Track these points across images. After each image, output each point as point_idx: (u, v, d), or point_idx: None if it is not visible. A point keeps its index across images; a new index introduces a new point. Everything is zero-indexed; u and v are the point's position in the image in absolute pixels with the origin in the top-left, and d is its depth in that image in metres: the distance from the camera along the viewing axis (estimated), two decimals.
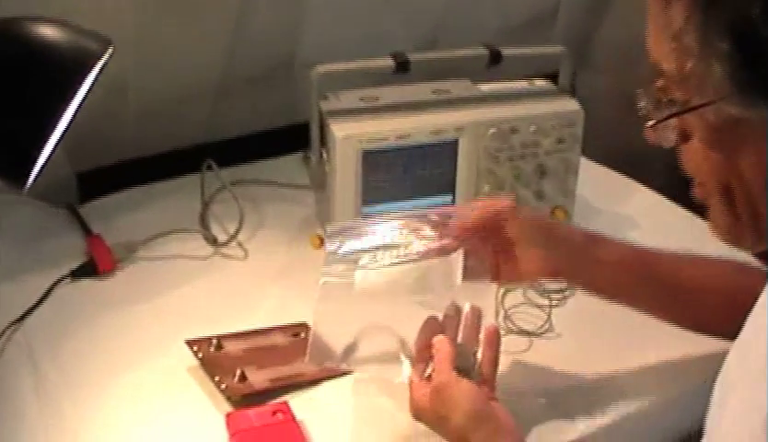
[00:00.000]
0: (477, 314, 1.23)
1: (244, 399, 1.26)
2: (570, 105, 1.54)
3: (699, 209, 1.13)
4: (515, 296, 1.45)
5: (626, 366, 1.35)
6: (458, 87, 1.58)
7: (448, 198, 1.54)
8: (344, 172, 1.48)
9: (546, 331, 1.40)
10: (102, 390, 1.30)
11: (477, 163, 1.52)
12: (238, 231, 1.57)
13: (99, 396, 1.29)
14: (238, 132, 1.79)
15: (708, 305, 1.28)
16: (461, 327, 1.23)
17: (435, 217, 1.26)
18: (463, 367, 1.17)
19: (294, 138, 1.71)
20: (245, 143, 1.80)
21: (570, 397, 1.30)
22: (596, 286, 1.28)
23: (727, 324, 1.17)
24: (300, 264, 1.53)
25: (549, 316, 1.41)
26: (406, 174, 1.52)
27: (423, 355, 1.20)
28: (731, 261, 1.27)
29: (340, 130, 1.47)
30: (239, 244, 1.58)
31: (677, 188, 1.91)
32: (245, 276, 1.52)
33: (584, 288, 1.31)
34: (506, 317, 1.41)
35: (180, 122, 1.74)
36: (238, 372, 1.28)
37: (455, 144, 1.51)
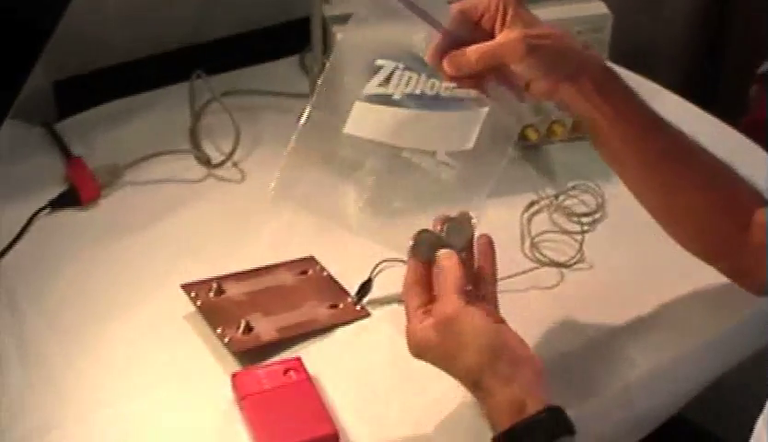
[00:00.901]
0: None
1: (251, 353, 1.11)
2: (597, 8, 1.37)
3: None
4: (542, 221, 1.30)
5: (666, 300, 1.20)
6: None
7: None
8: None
9: (578, 261, 1.25)
10: (90, 340, 1.15)
11: None
12: (233, 150, 1.39)
13: (86, 346, 1.14)
14: (228, 31, 1.60)
15: (695, 209, 1.11)
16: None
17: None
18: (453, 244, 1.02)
19: (291, 38, 1.53)
20: (237, 44, 1.60)
21: (607, 338, 1.16)
22: (593, 126, 1.10)
23: (708, 243, 1.12)
24: None
25: (581, 245, 1.25)
26: None
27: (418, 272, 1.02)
28: (744, 180, 1.12)
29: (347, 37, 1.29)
30: (235, 164, 1.41)
31: (683, 84, 1.78)
32: (243, 201, 1.36)
33: (590, 125, 1.10)
34: (533, 245, 1.26)
35: (166, 21, 1.56)
36: (243, 322, 1.13)
37: None
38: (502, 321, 1.01)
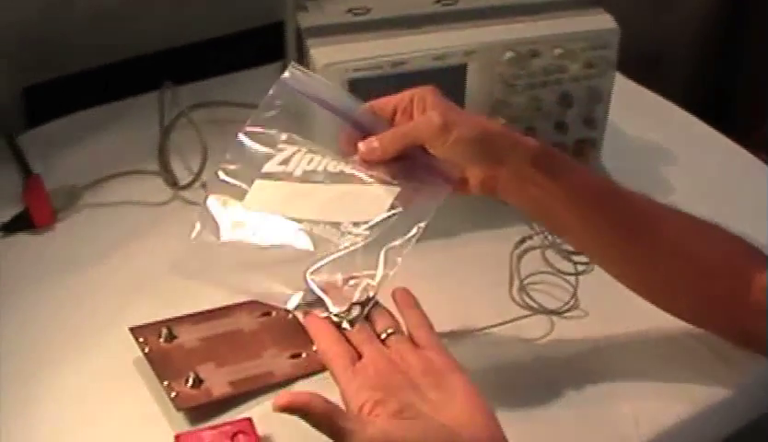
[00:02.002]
0: None
1: (200, 409, 0.98)
2: (604, 21, 1.22)
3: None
4: (533, 259, 1.16)
5: (671, 354, 1.07)
6: None
7: None
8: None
9: (571, 307, 1.11)
10: (31, 386, 1.02)
11: (490, 93, 1.21)
12: (201, 171, 1.26)
13: (27, 393, 1.02)
14: (203, 35, 1.47)
15: (676, 279, 1.00)
16: None
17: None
18: None
19: (271, 43, 1.40)
20: (212, 49, 1.48)
21: (603, 400, 1.02)
22: (535, 215, 1.02)
23: (695, 308, 1.01)
24: None
25: (575, 289, 1.11)
26: None
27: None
28: (738, 239, 1.00)
29: (321, 54, 1.16)
30: (203, 185, 1.27)
31: (697, 96, 1.64)
32: None
33: (530, 213, 1.02)
34: (522, 288, 1.13)
35: (140, 23, 1.43)
36: (192, 375, 1.00)
37: (462, 70, 1.19)
38: (456, 369, 0.87)
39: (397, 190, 0.95)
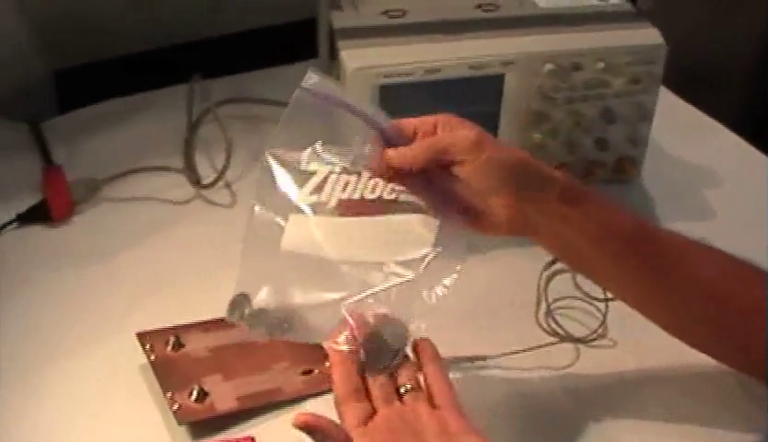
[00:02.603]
0: None
1: (203, 423, 0.94)
2: (651, 36, 1.15)
3: None
4: (562, 283, 1.09)
5: (703, 390, 1.00)
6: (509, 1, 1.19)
7: None
8: None
9: (599, 336, 1.05)
10: (33, 384, 0.99)
11: (527, 105, 1.15)
12: (225, 169, 1.22)
13: (27, 390, 0.98)
14: (238, 26, 1.42)
15: (708, 320, 0.94)
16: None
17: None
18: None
19: (307, 39, 1.34)
20: (246, 41, 1.43)
21: (627, 434, 0.96)
22: (563, 254, 0.95)
23: (728, 349, 0.95)
24: None
25: (604, 316, 1.05)
26: (436, 112, 1.14)
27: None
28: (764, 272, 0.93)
29: (352, 58, 1.11)
30: (228, 185, 1.23)
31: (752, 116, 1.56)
32: (229, 230, 1.14)
33: (557, 252, 0.96)
34: (549, 313, 1.07)
35: (174, 7, 1.39)
36: (197, 387, 0.96)
37: (500, 80, 1.13)
38: (471, 432, 0.81)
39: (436, 223, 0.88)
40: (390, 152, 0.88)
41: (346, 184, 0.89)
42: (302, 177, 0.89)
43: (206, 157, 1.26)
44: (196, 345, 1.01)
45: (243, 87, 1.36)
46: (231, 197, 1.22)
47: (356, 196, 0.88)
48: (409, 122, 0.90)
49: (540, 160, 0.89)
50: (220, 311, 1.04)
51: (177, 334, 1.01)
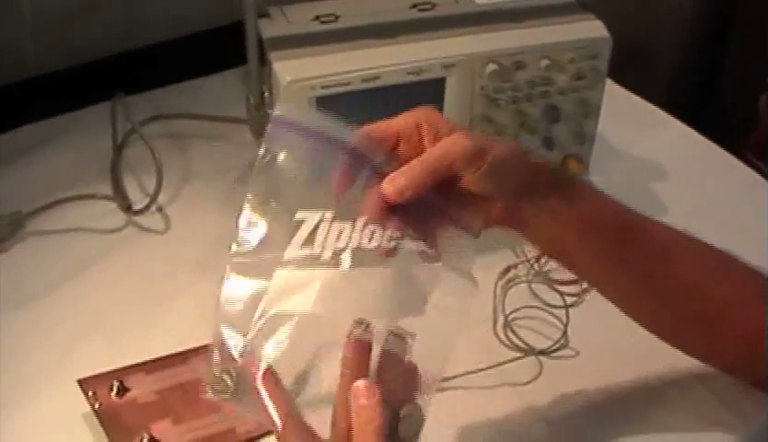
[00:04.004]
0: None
1: None
2: (594, 29, 1.12)
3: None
4: (520, 292, 1.05)
5: (673, 400, 0.97)
6: None
7: None
8: None
9: (561, 346, 1.01)
10: None
11: (470, 108, 1.11)
12: (157, 193, 1.15)
13: None
14: (159, 36, 1.35)
15: (689, 316, 0.91)
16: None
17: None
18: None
19: (234, 45, 1.29)
20: (167, 53, 1.35)
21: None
22: (549, 248, 0.90)
23: (706, 346, 0.93)
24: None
25: (566, 325, 1.01)
26: (376, 118, 1.09)
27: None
28: (756, 274, 0.91)
29: (285, 69, 1.05)
30: (160, 209, 1.17)
31: (683, 94, 1.54)
32: (164, 256, 1.13)
33: (538, 247, 0.92)
34: (507, 325, 1.03)
35: (84, 23, 1.31)
36: (146, 436, 0.90)
37: (441, 84, 1.09)
38: None
39: (439, 266, 0.80)
40: (386, 187, 0.78)
41: (340, 232, 0.78)
42: (286, 229, 0.78)
43: (135, 181, 1.20)
44: (141, 389, 0.95)
45: (167, 101, 1.30)
46: (165, 222, 1.16)
47: (353, 245, 0.77)
48: (387, 129, 0.82)
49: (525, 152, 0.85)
50: (163, 348, 1.00)
51: (120, 378, 0.96)
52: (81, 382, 0.95)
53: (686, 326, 0.92)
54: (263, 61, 1.09)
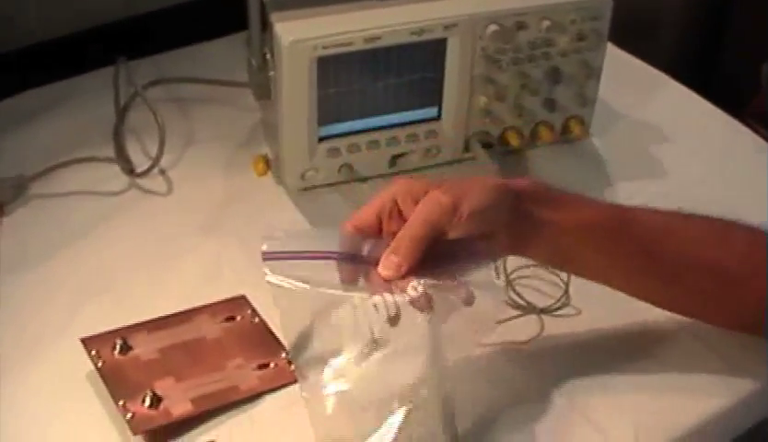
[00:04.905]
0: None
1: (158, 431, 0.88)
2: None
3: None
4: None
5: (673, 357, 0.96)
6: None
7: (433, 111, 1.12)
8: (294, 86, 1.06)
9: (562, 305, 1.01)
10: None
11: (471, 69, 1.10)
12: (159, 157, 1.15)
13: None
14: (161, 1, 1.34)
15: (700, 290, 0.91)
16: None
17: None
18: None
19: (235, 9, 1.28)
20: (171, 16, 1.34)
21: (600, 411, 0.91)
22: (555, 260, 0.92)
23: (725, 314, 0.93)
24: (239, 200, 1.13)
25: (567, 284, 1.01)
26: (376, 83, 1.10)
27: None
28: (757, 233, 0.91)
29: (287, 30, 1.04)
30: (162, 172, 1.16)
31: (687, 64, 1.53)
32: (167, 219, 1.12)
33: (545, 263, 0.96)
34: (509, 284, 1.02)
35: None
36: (149, 393, 0.90)
37: (442, 45, 1.08)
38: None
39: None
40: (382, 271, 0.82)
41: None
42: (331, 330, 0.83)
43: (137, 144, 1.19)
44: (144, 347, 0.95)
45: (169, 66, 1.29)
46: (167, 184, 1.15)
47: (392, 313, 0.81)
48: (367, 213, 0.84)
49: (496, 177, 0.89)
50: (165, 308, 0.99)
51: (123, 337, 0.95)
52: (84, 341, 0.95)
53: (700, 300, 0.92)
54: (265, 24, 1.09)
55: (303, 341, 0.83)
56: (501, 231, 0.85)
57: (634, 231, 0.89)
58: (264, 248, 0.83)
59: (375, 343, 0.81)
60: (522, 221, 0.86)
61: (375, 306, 0.80)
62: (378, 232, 0.84)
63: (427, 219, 0.82)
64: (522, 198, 0.86)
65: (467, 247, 0.83)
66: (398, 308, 0.80)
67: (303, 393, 0.82)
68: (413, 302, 0.80)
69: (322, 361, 0.82)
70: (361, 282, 0.83)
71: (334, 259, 0.83)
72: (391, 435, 0.80)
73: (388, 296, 0.80)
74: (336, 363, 0.82)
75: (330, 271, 0.83)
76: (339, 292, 0.82)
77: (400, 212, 0.84)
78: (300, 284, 0.81)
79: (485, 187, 0.85)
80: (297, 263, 0.82)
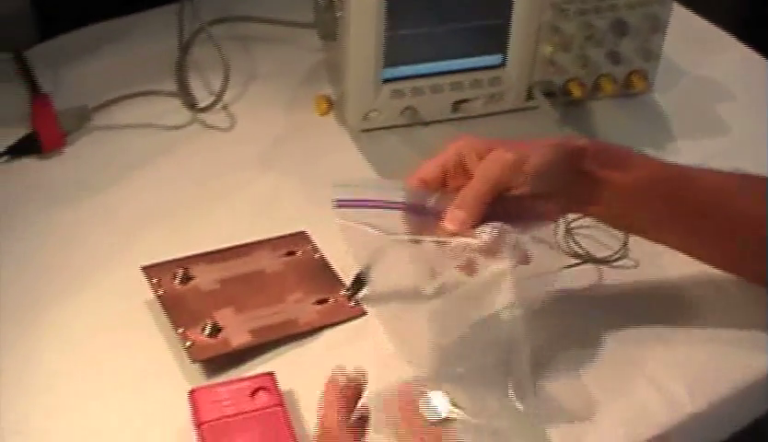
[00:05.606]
0: None
1: (215, 360, 0.87)
2: None
3: None
4: None
5: (729, 313, 0.94)
6: None
7: (497, 58, 1.10)
8: (361, 26, 1.04)
9: (620, 257, 0.99)
10: (31, 324, 0.91)
11: (538, 16, 1.08)
12: (222, 92, 1.14)
13: (25, 333, 0.91)
14: None
15: (757, 252, 0.89)
16: None
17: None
18: None
19: None
20: None
21: (654, 359, 0.90)
22: (613, 219, 0.91)
23: None
24: (300, 138, 1.12)
25: (626, 237, 0.99)
26: (443, 27, 1.08)
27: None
28: None
29: None
30: (225, 107, 1.15)
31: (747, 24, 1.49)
32: (228, 154, 1.11)
33: (603, 222, 0.93)
34: (569, 233, 1.00)
35: None
36: (209, 322, 0.89)
37: None
38: None
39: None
40: (447, 225, 0.81)
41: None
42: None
43: (200, 80, 1.18)
44: (205, 277, 0.95)
45: (232, 5, 1.27)
46: (229, 120, 1.15)
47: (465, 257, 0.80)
48: (433, 166, 0.84)
49: (563, 136, 0.88)
50: (223, 240, 0.98)
51: (184, 267, 0.95)
52: (145, 269, 0.95)
53: (757, 261, 0.90)
54: None
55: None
56: (562, 191, 0.85)
57: (692, 191, 0.88)
58: (336, 196, 0.83)
59: (446, 288, 0.81)
60: (582, 180, 0.85)
61: (449, 250, 0.80)
62: (441, 186, 0.84)
63: (492, 175, 0.82)
64: (583, 157, 0.85)
65: (527, 206, 0.83)
66: (471, 253, 0.80)
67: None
68: (485, 247, 0.79)
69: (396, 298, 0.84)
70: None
71: (403, 209, 0.83)
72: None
73: (461, 240, 0.80)
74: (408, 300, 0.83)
75: (395, 221, 0.84)
76: (411, 236, 0.82)
77: (464, 168, 0.83)
78: (371, 230, 0.82)
79: (549, 146, 0.85)
80: (366, 211, 0.83)
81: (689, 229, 0.90)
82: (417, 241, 0.82)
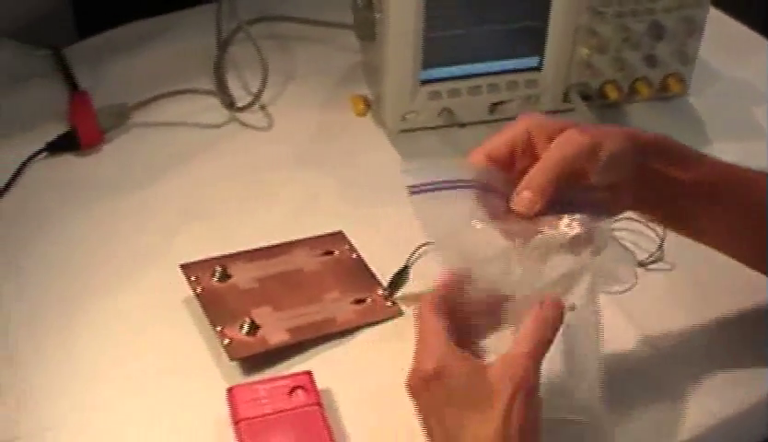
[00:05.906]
0: None
1: (253, 358, 0.88)
2: None
3: None
4: None
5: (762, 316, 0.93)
6: None
7: (534, 61, 1.10)
8: (400, 27, 1.04)
9: (656, 259, 0.98)
10: (70, 319, 0.92)
11: (575, 18, 1.07)
12: (260, 92, 1.14)
13: (65, 328, 0.91)
14: None
15: None
16: None
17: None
18: None
19: None
20: None
21: (685, 365, 0.89)
22: (670, 216, 0.87)
23: None
24: (337, 138, 1.12)
25: (662, 239, 0.98)
26: (480, 28, 1.08)
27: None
28: None
29: None
30: (263, 107, 1.15)
31: None
32: (265, 153, 1.11)
33: (660, 222, 0.90)
34: None
35: None
36: (247, 320, 0.89)
37: None
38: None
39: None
40: (515, 206, 0.77)
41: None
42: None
43: (238, 79, 1.19)
44: (243, 276, 0.95)
45: (271, 5, 1.28)
46: (268, 120, 1.15)
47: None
48: (501, 143, 0.79)
49: (634, 128, 0.82)
50: (259, 239, 0.98)
51: (223, 265, 0.95)
52: (184, 267, 0.95)
53: None
54: None
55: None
56: (627, 184, 0.80)
57: (752, 193, 0.85)
58: (409, 182, 0.78)
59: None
60: (647, 176, 0.81)
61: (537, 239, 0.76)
62: (508, 165, 0.79)
63: (565, 156, 0.76)
64: (648, 152, 0.81)
65: (590, 198, 0.78)
66: (556, 245, 0.76)
67: None
68: (575, 240, 0.76)
69: None
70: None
71: (476, 188, 0.78)
72: None
73: (548, 233, 0.76)
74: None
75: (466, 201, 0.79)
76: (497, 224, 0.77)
77: (533, 147, 0.78)
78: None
79: (624, 134, 0.79)
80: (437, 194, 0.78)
81: (746, 233, 0.86)
82: (504, 231, 0.77)
